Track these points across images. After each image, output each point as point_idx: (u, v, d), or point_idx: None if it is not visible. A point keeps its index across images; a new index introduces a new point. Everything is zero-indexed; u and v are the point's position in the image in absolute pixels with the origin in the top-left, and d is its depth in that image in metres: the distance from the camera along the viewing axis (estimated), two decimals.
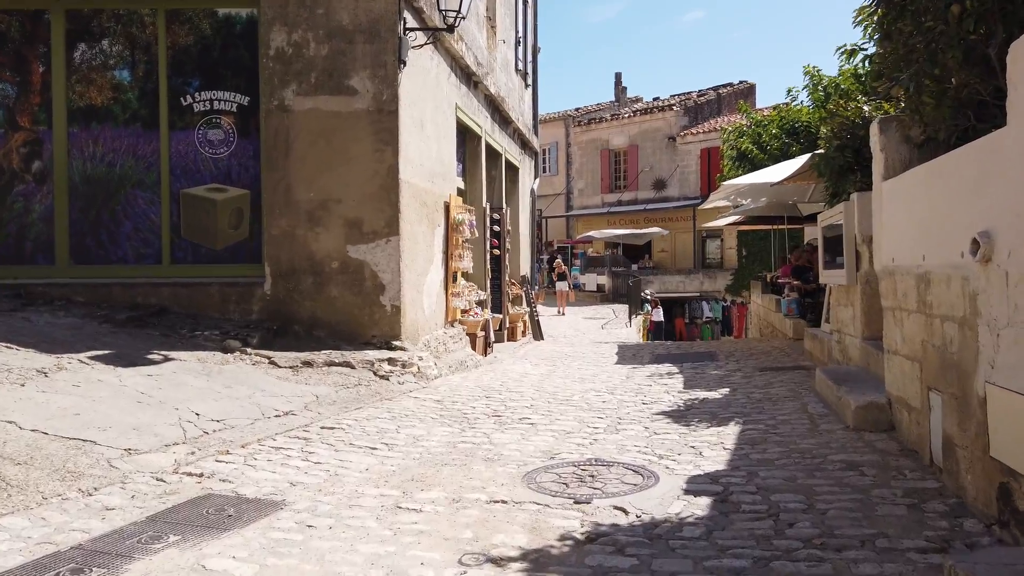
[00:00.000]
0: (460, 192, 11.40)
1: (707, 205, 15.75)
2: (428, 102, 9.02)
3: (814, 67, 13.35)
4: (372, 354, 7.56)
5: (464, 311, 10.74)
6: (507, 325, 13.86)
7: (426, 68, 8.94)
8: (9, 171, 8.12)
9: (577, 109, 37.64)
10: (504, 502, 3.93)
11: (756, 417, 5.92)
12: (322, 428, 5.49)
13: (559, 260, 24.86)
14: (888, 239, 5.20)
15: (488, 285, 12.31)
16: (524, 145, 16.53)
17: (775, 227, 21.39)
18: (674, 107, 32.66)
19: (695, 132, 31.57)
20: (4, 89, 8.12)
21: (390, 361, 7.46)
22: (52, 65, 8.04)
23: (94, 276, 7.96)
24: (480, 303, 11.78)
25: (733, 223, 21.33)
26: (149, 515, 3.60)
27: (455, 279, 10.02)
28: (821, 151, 8.77)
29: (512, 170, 15.63)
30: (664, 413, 6.27)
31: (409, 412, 6.19)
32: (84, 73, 8.11)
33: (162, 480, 4.14)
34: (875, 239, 5.86)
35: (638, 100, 38.56)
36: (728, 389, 7.46)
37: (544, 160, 37.09)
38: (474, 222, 10.27)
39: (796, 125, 15.32)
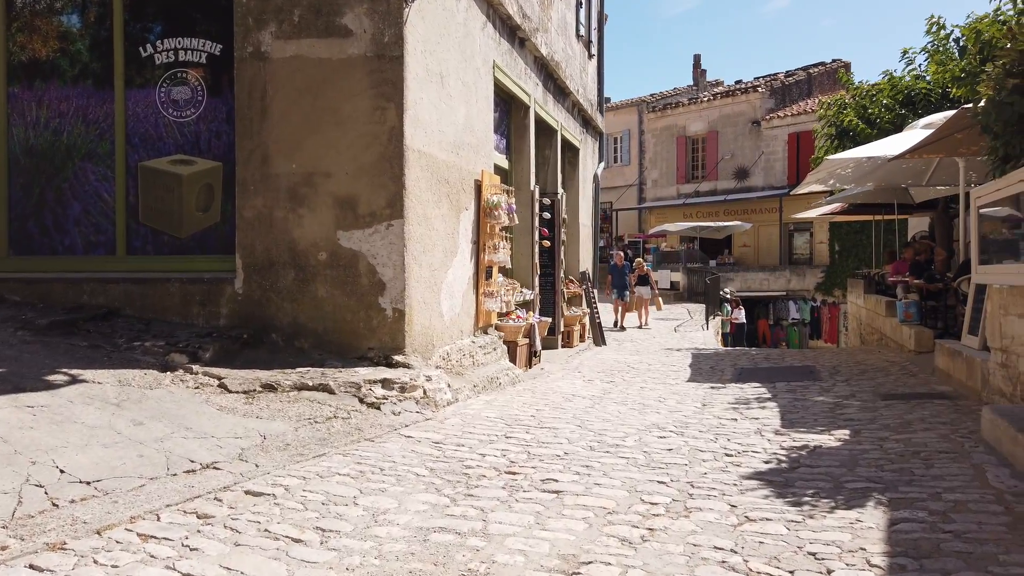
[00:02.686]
0: (500, 170, 9.53)
1: (802, 189, 13.37)
2: (452, 53, 7.19)
3: (939, 17, 10.85)
4: (363, 373, 5.78)
5: (503, 314, 8.87)
6: (561, 329, 11.93)
7: (449, 9, 7.10)
8: None
9: (652, 94, 35.21)
10: None
11: (906, 491, 3.81)
12: (246, 493, 3.72)
13: (640, 260, 20.41)
14: None
15: (536, 283, 10.40)
16: (586, 124, 14.52)
17: (876, 217, 18.71)
18: (759, 88, 29.87)
19: (782, 115, 28.72)
20: None
21: (385, 383, 5.66)
22: None
23: (35, 270, 6.49)
24: (524, 304, 9.89)
25: (828, 213, 18.75)
26: None
27: (488, 275, 8.17)
28: (970, 106, 6.50)
29: (571, 150, 13.67)
30: (758, 476, 4.22)
31: (388, 463, 4.37)
32: (27, 19, 6.64)
33: None
34: None
35: (718, 84, 35.78)
36: (847, 431, 5.33)
37: (615, 149, 34.88)
38: (513, 206, 8.40)
39: (913, 94, 12.78)
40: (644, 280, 18.12)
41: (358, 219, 6.16)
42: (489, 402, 6.56)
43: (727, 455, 4.71)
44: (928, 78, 12.49)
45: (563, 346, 12.14)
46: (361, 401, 5.44)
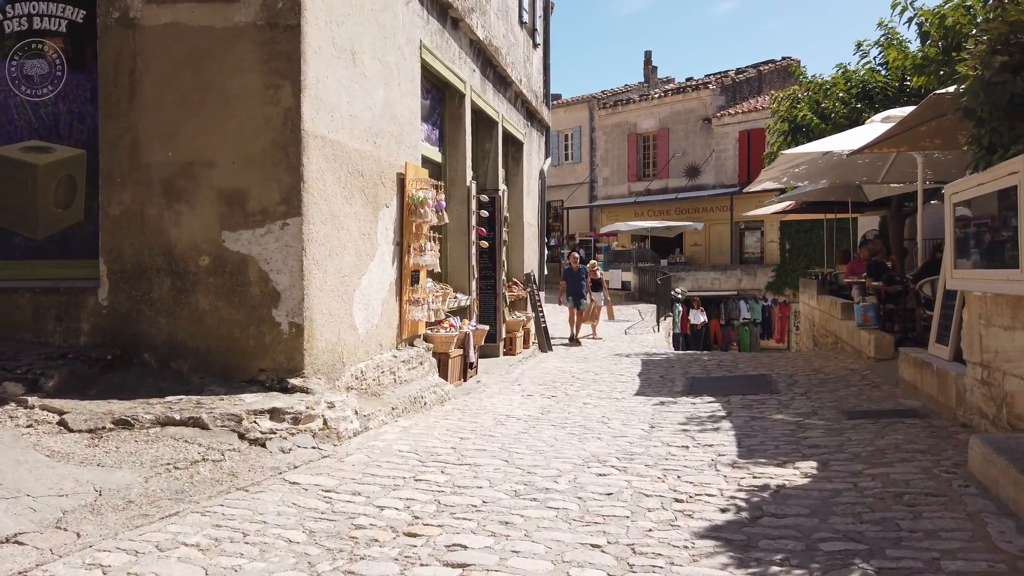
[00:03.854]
0: (431, 164, 8.65)
1: (755, 186, 12.80)
2: (367, 27, 6.28)
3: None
4: (249, 401, 4.84)
5: (434, 323, 7.99)
6: (503, 336, 11.09)
7: None
8: None
9: (603, 91, 34.64)
10: None
11: (895, 557, 3.07)
12: None
13: (593, 261, 17.57)
14: None
15: (473, 287, 9.55)
16: (531, 117, 13.71)
17: (827, 216, 18.36)
18: (710, 85, 29.51)
19: (733, 113, 28.41)
20: None
21: (274, 414, 4.73)
22: None
23: None
24: (460, 311, 9.02)
25: (780, 211, 18.33)
26: None
27: (415, 280, 7.28)
28: (945, 90, 5.87)
29: (515, 145, 12.84)
30: (714, 533, 3.44)
31: (257, 524, 3.46)
32: None
33: None
34: None
35: (670, 81, 35.41)
36: (814, 462, 4.61)
37: (566, 146, 34.24)
38: (443, 203, 7.51)
39: (869, 87, 12.29)
40: (597, 285, 15.49)
41: (247, 217, 5.22)
42: (407, 429, 5.68)
43: (677, 500, 3.93)
44: (884, 71, 12.01)
45: (506, 353, 11.31)
46: (242, 437, 4.51)
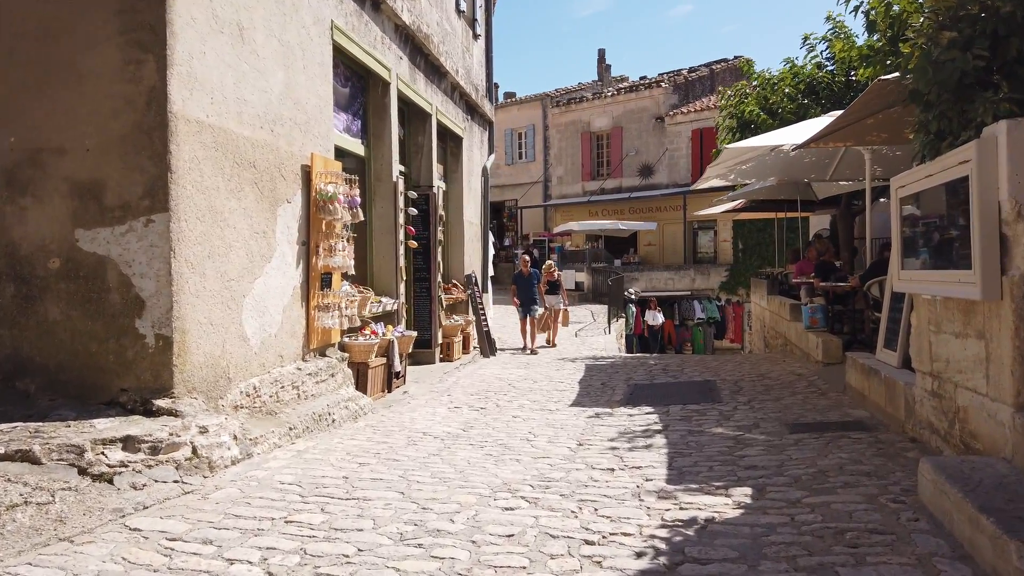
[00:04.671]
0: (350, 156, 7.98)
1: (701, 184, 12.38)
2: (259, 0, 5.59)
3: None
4: (101, 427, 4.13)
5: (353, 330, 7.32)
6: (439, 341, 10.46)
7: None
8: None
9: (556, 89, 34.20)
10: None
11: None
12: None
13: (550, 262, 15.83)
14: None
15: (400, 290, 8.89)
16: (472, 111, 13.09)
17: (778, 215, 18.13)
18: (662, 84, 29.27)
19: (685, 111, 28.19)
20: None
21: (128, 443, 4.03)
22: None
23: None
24: (386, 316, 8.37)
25: (730, 210, 18.04)
26: None
27: (326, 284, 6.60)
28: (890, 76, 5.43)
29: (453, 140, 12.22)
30: None
31: None
32: None
33: None
34: None
35: (624, 80, 35.11)
36: (749, 488, 4.08)
37: (520, 145, 33.72)
38: (357, 199, 6.85)
39: (815, 82, 11.96)
40: (554, 288, 14.06)
41: (105, 213, 4.50)
42: (300, 454, 5.02)
43: (587, 543, 3.35)
44: (831, 66, 11.69)
45: (443, 359, 10.69)
46: (83, 473, 3.80)
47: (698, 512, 3.73)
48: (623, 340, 20.33)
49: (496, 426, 6.30)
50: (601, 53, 35.04)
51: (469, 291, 12.27)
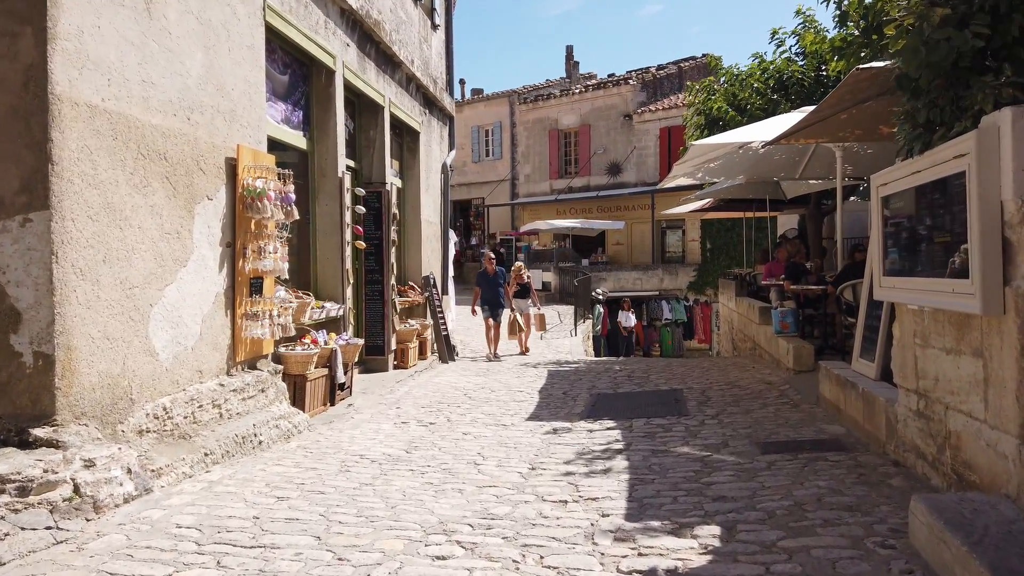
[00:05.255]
0: (291, 150, 7.37)
1: (668, 183, 11.94)
2: None
3: None
4: None
5: (290, 339, 6.70)
6: (392, 348, 9.86)
7: None
8: None
9: (524, 86, 33.70)
10: None
11: None
12: None
13: (520, 263, 14.40)
14: None
15: (347, 295, 8.28)
16: (430, 104, 12.49)
17: (746, 214, 17.81)
18: (630, 81, 28.91)
19: (654, 109, 27.86)
20: None
21: None
22: None
23: None
24: (327, 323, 7.75)
25: (699, 209, 17.68)
26: None
27: (257, 290, 5.98)
28: (870, 65, 4.98)
29: (410, 134, 11.61)
30: None
31: None
32: None
33: None
34: None
35: (592, 77, 34.70)
36: (717, 528, 3.57)
37: (487, 142, 33.16)
38: (292, 195, 6.23)
39: (785, 77, 11.59)
40: (524, 291, 13.02)
41: None
42: (211, 485, 4.40)
43: None
44: (801, 60, 11.33)
45: (397, 367, 10.10)
46: None
47: (659, 560, 3.22)
48: (590, 342, 19.90)
49: (443, 446, 5.75)
50: (569, 50, 34.63)
51: (427, 293, 11.69)
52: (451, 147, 13.97)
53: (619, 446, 5.53)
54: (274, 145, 7.03)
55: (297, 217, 6.37)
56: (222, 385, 5.45)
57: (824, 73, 10.69)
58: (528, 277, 13.41)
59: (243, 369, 5.88)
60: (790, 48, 11.58)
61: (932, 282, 3.80)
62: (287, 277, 6.37)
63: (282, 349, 6.61)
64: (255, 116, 6.17)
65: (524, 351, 12.83)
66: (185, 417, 4.96)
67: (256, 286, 6.01)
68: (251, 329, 5.85)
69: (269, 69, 6.98)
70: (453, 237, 15.43)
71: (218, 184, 5.54)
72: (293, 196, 6.28)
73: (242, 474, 4.70)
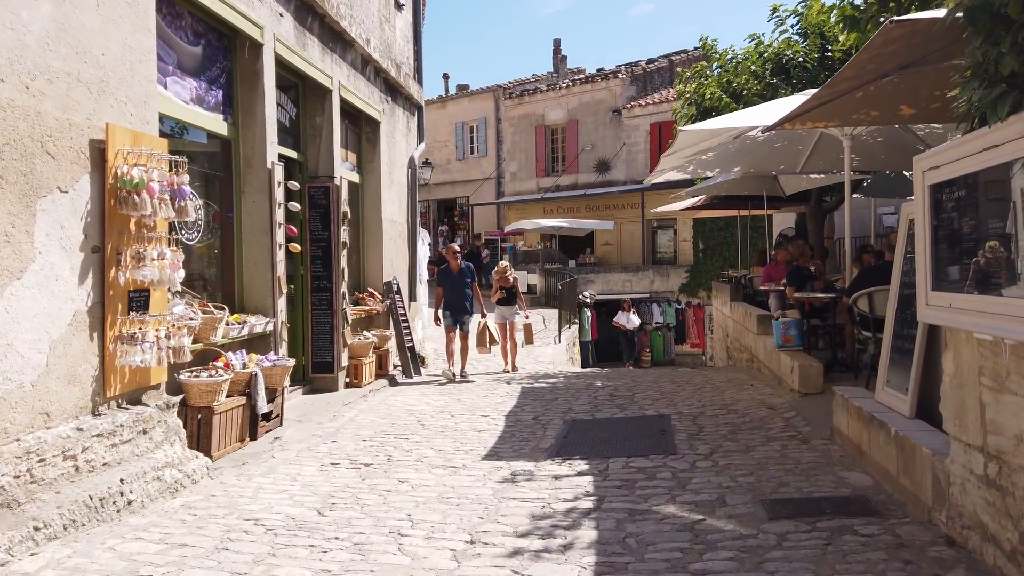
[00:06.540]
0: (210, 136, 6.18)
1: (656, 178, 10.78)
2: None
3: None
4: None
5: (191, 366, 5.51)
6: (343, 364, 8.68)
7: None
8: None
9: (510, 81, 32.51)
10: None
11: None
12: None
13: (506, 264, 11.88)
14: None
15: (279, 306, 7.08)
16: (393, 92, 11.30)
17: (741, 213, 16.70)
18: (620, 75, 27.76)
19: (644, 104, 26.71)
20: None
21: None
22: None
23: None
24: (252, 341, 6.56)
25: (691, 207, 16.56)
26: None
27: (140, 305, 4.79)
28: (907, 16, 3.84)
29: (368, 124, 10.43)
30: None
31: None
32: None
33: None
34: None
35: (580, 72, 33.54)
36: None
37: (472, 139, 31.98)
38: (186, 188, 5.04)
39: (785, 60, 10.47)
40: (511, 296, 11.07)
41: None
42: None
43: None
44: (803, 41, 10.19)
45: (351, 385, 8.92)
46: None
47: None
48: (576, 348, 18.75)
49: (369, 501, 4.58)
50: (556, 43, 33.45)
51: (388, 301, 10.50)
52: (420, 139, 12.79)
53: (588, 504, 4.38)
54: (180, 128, 5.86)
55: (193, 216, 5.17)
56: (80, 430, 4.26)
57: (829, 53, 9.57)
58: (514, 279, 11.33)
59: (118, 406, 4.69)
60: (791, 28, 10.46)
61: (1013, 304, 2.65)
62: (178, 289, 5.16)
63: (184, 376, 5.42)
64: (140, 90, 4.98)
65: (511, 368, 10.95)
66: (16, 477, 3.77)
67: (139, 301, 4.82)
68: (129, 355, 4.66)
69: (172, 36, 5.80)
70: (426, 238, 14.27)
71: (77, 173, 4.35)
72: (188, 189, 5.09)
73: (77, 558, 3.52)
